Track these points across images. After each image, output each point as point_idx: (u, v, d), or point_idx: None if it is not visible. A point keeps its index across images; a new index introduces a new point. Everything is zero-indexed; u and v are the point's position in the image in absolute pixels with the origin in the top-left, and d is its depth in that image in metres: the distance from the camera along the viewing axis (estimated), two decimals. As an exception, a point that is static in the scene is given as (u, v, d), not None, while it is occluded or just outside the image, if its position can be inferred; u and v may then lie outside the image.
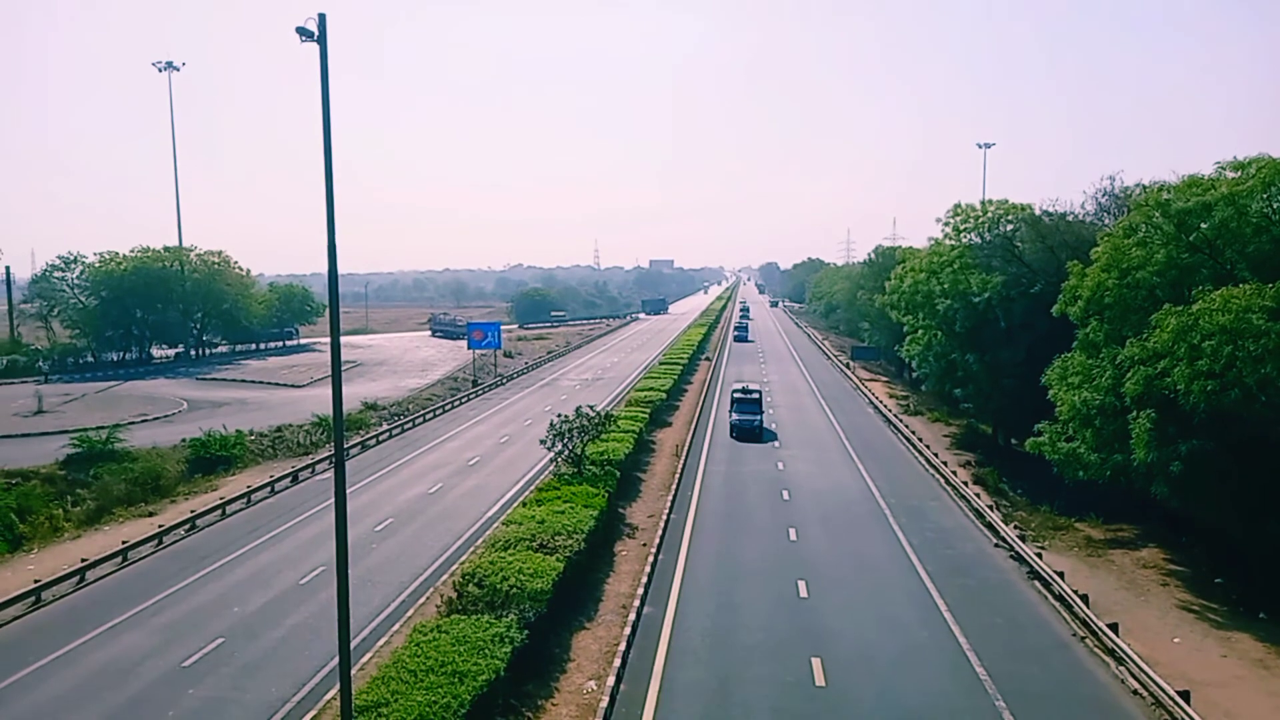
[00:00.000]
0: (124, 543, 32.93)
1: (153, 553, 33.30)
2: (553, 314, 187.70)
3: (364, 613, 26.29)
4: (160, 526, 35.20)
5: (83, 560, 30.83)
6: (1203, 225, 30.80)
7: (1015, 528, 35.04)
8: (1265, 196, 29.89)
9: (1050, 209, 50.25)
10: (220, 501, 39.08)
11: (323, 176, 18.30)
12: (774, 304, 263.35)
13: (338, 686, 18.48)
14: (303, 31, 17.74)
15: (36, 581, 28.60)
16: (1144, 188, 38.99)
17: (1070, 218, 49.48)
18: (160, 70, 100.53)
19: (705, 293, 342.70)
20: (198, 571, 30.95)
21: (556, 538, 28.19)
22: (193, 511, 37.56)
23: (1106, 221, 46.20)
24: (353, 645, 20.77)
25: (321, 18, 17.81)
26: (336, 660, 19.79)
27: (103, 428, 49.43)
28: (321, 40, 17.86)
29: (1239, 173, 30.67)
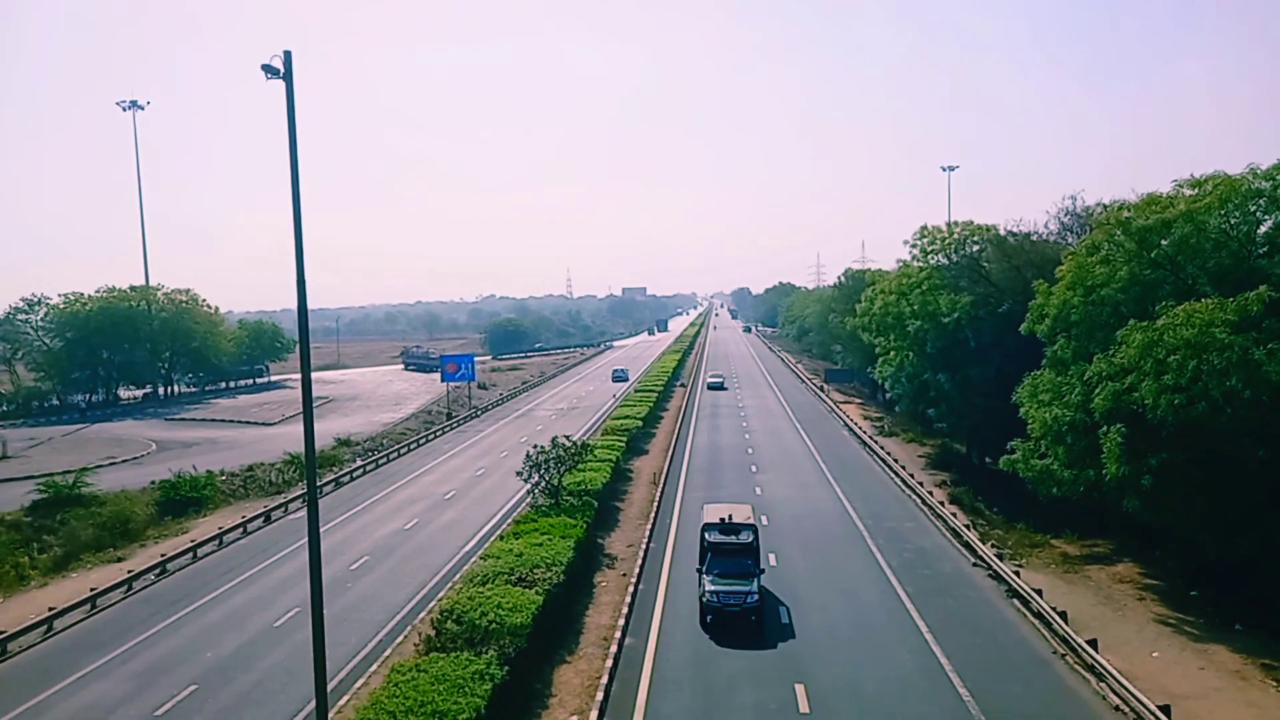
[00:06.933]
0: (92, 589, 32.22)
1: (122, 599, 32.62)
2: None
3: (341, 653, 25.84)
4: (130, 571, 34.50)
5: (50, 609, 30.12)
6: (1163, 242, 31.39)
7: (992, 546, 35.21)
8: (1223, 213, 30.54)
9: (1014, 229, 51.12)
10: (191, 544, 38.42)
11: (290, 211, 18.26)
12: (747, 329, 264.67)
13: (315, 730, 18.10)
14: (268, 69, 17.79)
15: (2, 632, 27.89)
16: (1105, 206, 39.74)
17: (1034, 237, 50.29)
18: (125, 109, 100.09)
19: (685, 315, 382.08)
20: (169, 616, 30.33)
21: (535, 570, 27.95)
22: (163, 555, 36.88)
23: (1069, 240, 47.00)
24: (330, 687, 20.42)
25: (287, 55, 17.87)
26: (314, 703, 19.45)
27: (69, 472, 48.59)
28: (287, 77, 17.91)
29: (1196, 190, 31.29)
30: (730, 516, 30.03)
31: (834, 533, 39.40)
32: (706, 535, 29.62)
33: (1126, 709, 21.74)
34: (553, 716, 22.48)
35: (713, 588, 27.56)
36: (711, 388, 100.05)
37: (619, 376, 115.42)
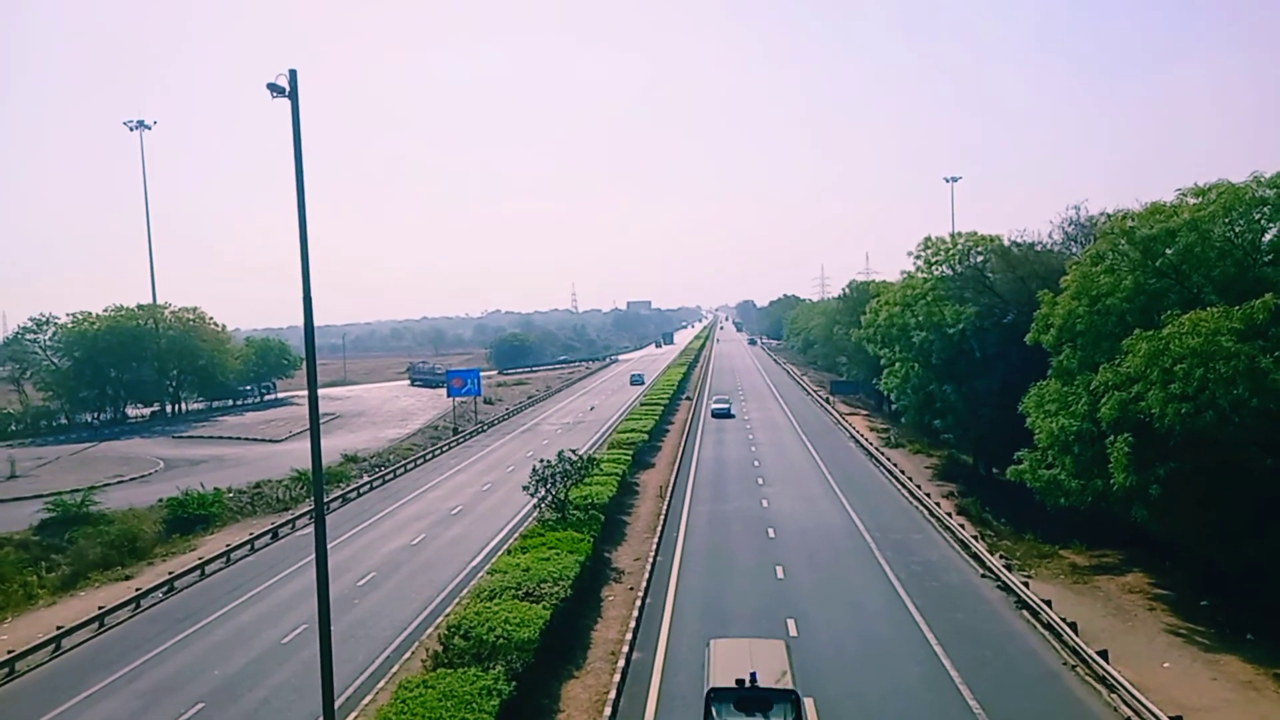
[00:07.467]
0: (100, 608, 32.26)
1: (130, 617, 32.64)
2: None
3: (348, 670, 25.79)
4: (138, 590, 34.55)
5: (58, 628, 30.14)
6: (1168, 251, 31.36)
7: (1001, 557, 35.05)
8: (1227, 221, 30.53)
9: (1018, 239, 51.11)
10: (199, 561, 38.47)
11: (297, 230, 18.40)
12: (752, 342, 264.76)
13: (322, 748, 18.08)
14: (274, 88, 17.96)
15: (10, 652, 27.92)
16: (1109, 216, 39.76)
17: (1038, 247, 50.28)
18: (131, 129, 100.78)
19: (691, 328, 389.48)
20: (177, 634, 30.34)
21: (542, 585, 27.90)
22: (171, 573, 36.92)
23: (1074, 250, 46.96)
24: (337, 704, 20.41)
25: (292, 74, 18.04)
26: (321, 720, 19.43)
27: (77, 490, 48.74)
28: (293, 96, 18.07)
29: (1200, 198, 31.32)
30: (753, 677, 17.79)
31: (841, 545, 39.27)
32: (714, 711, 17.90)
33: (1138, 720, 21.59)
34: (561, 732, 22.40)
35: None
36: (717, 415, 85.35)
37: (636, 380, 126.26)
